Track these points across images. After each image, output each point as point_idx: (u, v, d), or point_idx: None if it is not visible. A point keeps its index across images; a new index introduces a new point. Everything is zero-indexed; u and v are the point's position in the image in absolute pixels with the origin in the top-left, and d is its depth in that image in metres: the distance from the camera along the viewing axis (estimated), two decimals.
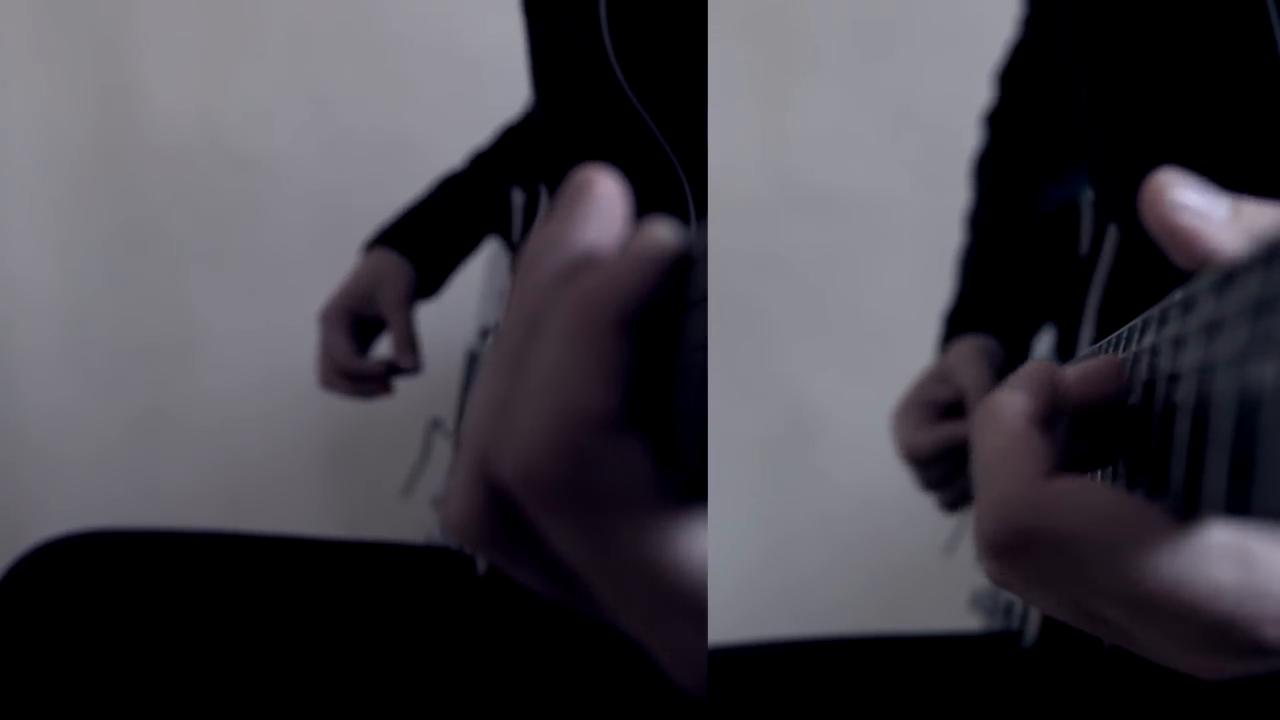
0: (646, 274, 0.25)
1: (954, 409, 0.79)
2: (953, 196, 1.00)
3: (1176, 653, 0.31)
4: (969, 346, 0.79)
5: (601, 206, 0.27)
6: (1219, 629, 0.29)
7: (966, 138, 0.99)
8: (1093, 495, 0.30)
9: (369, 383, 0.93)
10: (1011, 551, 0.31)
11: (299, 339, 1.41)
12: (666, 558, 0.25)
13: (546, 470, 0.24)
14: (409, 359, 0.92)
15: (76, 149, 1.43)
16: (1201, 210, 0.30)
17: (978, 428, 0.34)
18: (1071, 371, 0.34)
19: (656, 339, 0.25)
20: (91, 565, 0.74)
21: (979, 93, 0.98)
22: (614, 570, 0.25)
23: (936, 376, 0.80)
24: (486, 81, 1.40)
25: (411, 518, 0.99)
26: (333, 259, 1.32)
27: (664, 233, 0.25)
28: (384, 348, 0.99)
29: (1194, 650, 0.30)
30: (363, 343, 0.95)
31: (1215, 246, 0.30)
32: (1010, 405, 0.33)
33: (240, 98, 1.43)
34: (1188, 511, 0.28)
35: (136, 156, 1.43)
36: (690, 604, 0.25)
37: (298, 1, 1.43)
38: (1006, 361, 0.81)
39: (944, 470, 0.78)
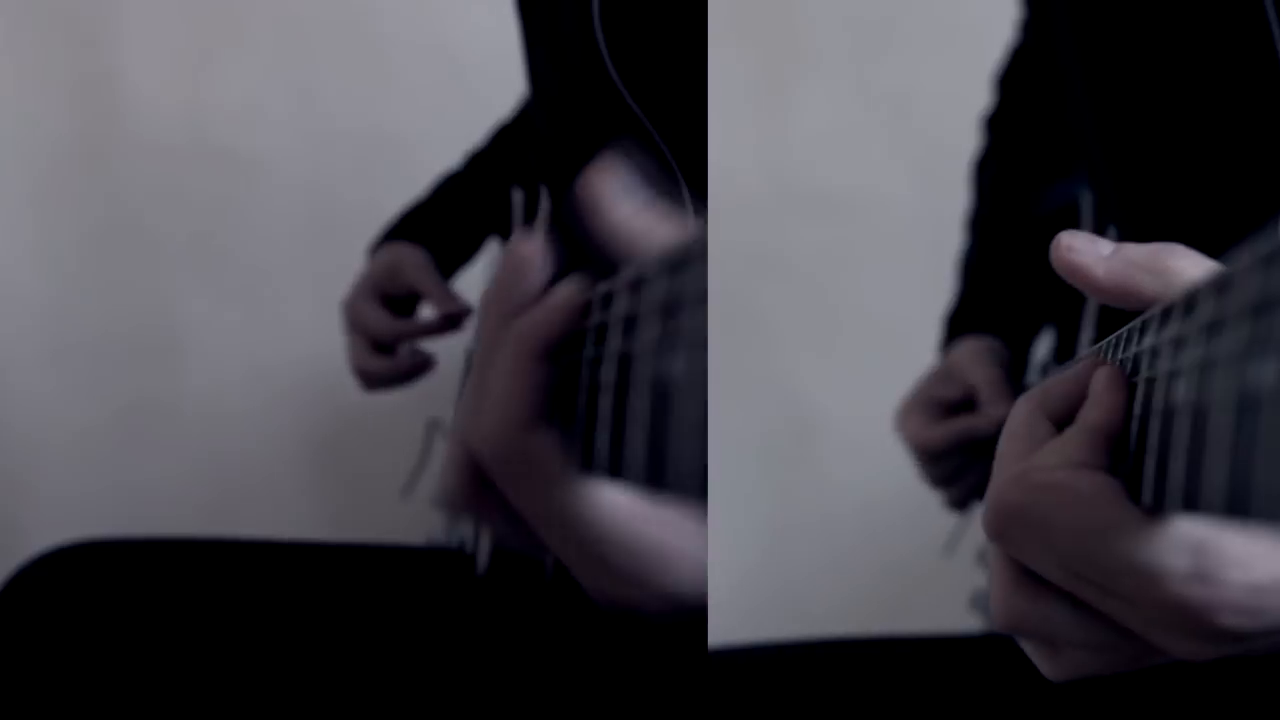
0: (558, 320, 0.35)
1: (960, 408, 0.78)
2: (951, 196, 1.00)
3: (1149, 630, 0.33)
4: (975, 346, 0.79)
5: (529, 265, 0.37)
6: (1172, 610, 0.31)
7: (964, 136, 0.99)
8: (1067, 479, 0.34)
9: (416, 350, 0.88)
10: (996, 529, 0.35)
11: (284, 335, 1.41)
12: (570, 510, 0.34)
13: (496, 450, 0.35)
14: (454, 305, 0.87)
15: (58, 143, 1.42)
16: (1086, 248, 0.38)
17: (1011, 410, 0.38)
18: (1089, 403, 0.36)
19: (567, 358, 0.36)
20: (94, 574, 0.73)
21: (977, 91, 0.98)
22: (540, 518, 0.36)
23: (941, 376, 0.80)
24: (474, 76, 1.39)
25: (400, 515, 0.99)
26: (318, 254, 1.32)
27: (570, 289, 0.35)
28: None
29: (1160, 629, 0.33)
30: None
31: (1097, 275, 0.37)
32: (1035, 393, 0.38)
33: (225, 92, 1.42)
34: (1186, 508, 0.28)
35: (119, 151, 1.42)
36: (590, 544, 0.35)
37: None
38: (1010, 359, 0.80)
39: (954, 466, 0.78)
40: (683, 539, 0.35)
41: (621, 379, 0.31)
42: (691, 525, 0.35)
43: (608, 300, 0.33)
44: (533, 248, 0.37)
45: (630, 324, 0.31)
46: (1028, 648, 0.38)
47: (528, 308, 0.36)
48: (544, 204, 0.79)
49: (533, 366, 0.35)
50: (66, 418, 1.44)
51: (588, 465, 0.34)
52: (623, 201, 0.36)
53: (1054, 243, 0.38)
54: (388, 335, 0.88)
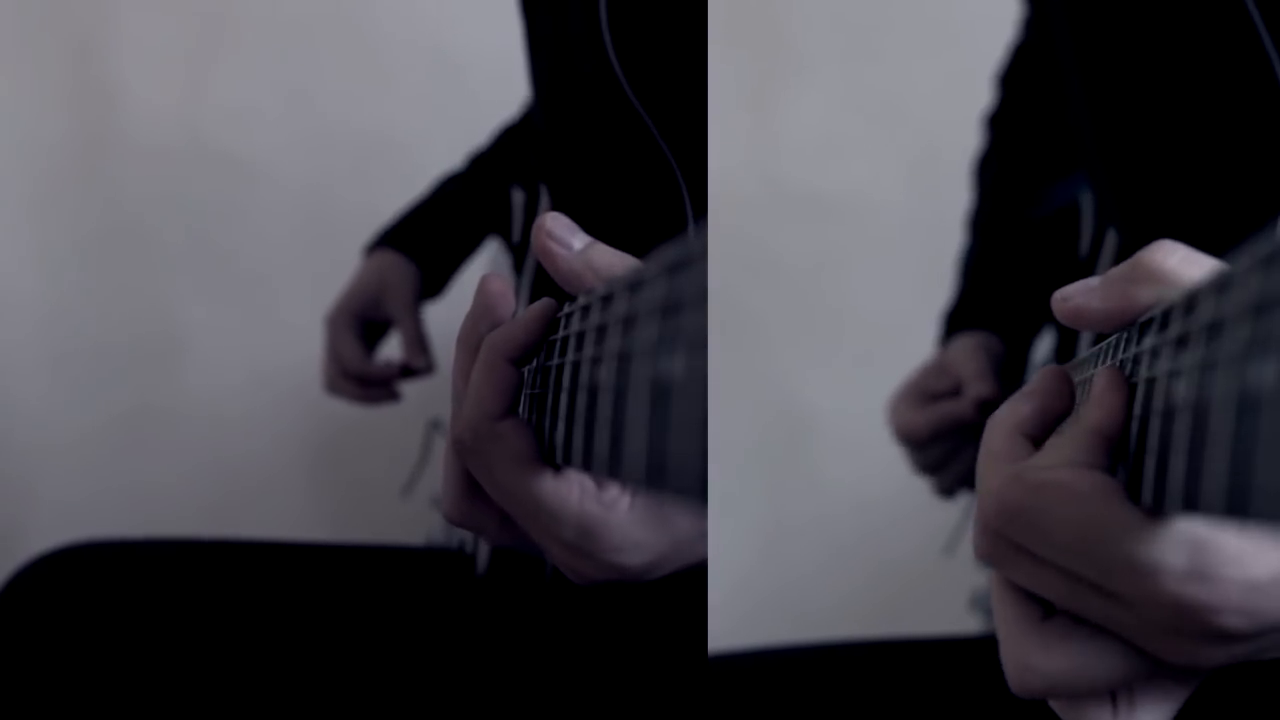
0: (523, 333, 0.41)
1: (949, 398, 0.79)
2: (942, 197, 1.00)
3: (1148, 634, 0.33)
4: (968, 341, 0.80)
5: (497, 299, 0.44)
6: (1170, 609, 0.32)
7: (955, 138, 0.99)
8: (1067, 477, 0.34)
9: (379, 386, 0.93)
10: (994, 527, 0.35)
11: (284, 338, 1.41)
12: (530, 490, 0.40)
13: (470, 438, 0.41)
14: (422, 359, 0.92)
15: (56, 148, 1.42)
16: (1078, 290, 0.39)
17: (984, 432, 0.38)
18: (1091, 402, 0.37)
19: (532, 362, 0.43)
20: (93, 575, 0.73)
21: (967, 93, 0.98)
22: (508, 499, 0.42)
23: (934, 369, 0.81)
24: (471, 79, 1.39)
25: (401, 517, 0.99)
26: (316, 257, 1.32)
27: (537, 308, 0.42)
28: (387, 350, 0.98)
29: (1159, 632, 0.33)
30: (367, 345, 0.95)
31: (1095, 307, 0.38)
32: (1006, 413, 0.38)
33: (222, 96, 1.42)
34: (1186, 508, 0.28)
35: (117, 156, 1.42)
36: (546, 520, 0.41)
37: None
38: (1006, 357, 0.81)
39: (940, 452, 0.79)
40: (623, 518, 0.40)
41: (621, 379, 0.32)
42: (635, 506, 0.41)
43: (569, 318, 0.39)
44: (500, 284, 0.44)
45: (629, 324, 0.32)
46: (1080, 716, 0.36)
47: (501, 324, 0.43)
48: (544, 204, 0.79)
49: (502, 368, 0.41)
50: (67, 423, 1.44)
51: (550, 455, 0.40)
52: (567, 244, 0.42)
53: (1052, 302, 0.40)
54: (355, 370, 0.92)
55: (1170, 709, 0.35)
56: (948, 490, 0.82)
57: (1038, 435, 0.38)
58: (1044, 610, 0.35)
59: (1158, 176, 0.59)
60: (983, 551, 0.36)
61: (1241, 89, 0.53)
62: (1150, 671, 0.34)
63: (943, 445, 0.78)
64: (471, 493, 0.44)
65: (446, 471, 0.45)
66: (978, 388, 0.75)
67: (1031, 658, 0.35)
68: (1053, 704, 0.37)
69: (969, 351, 0.79)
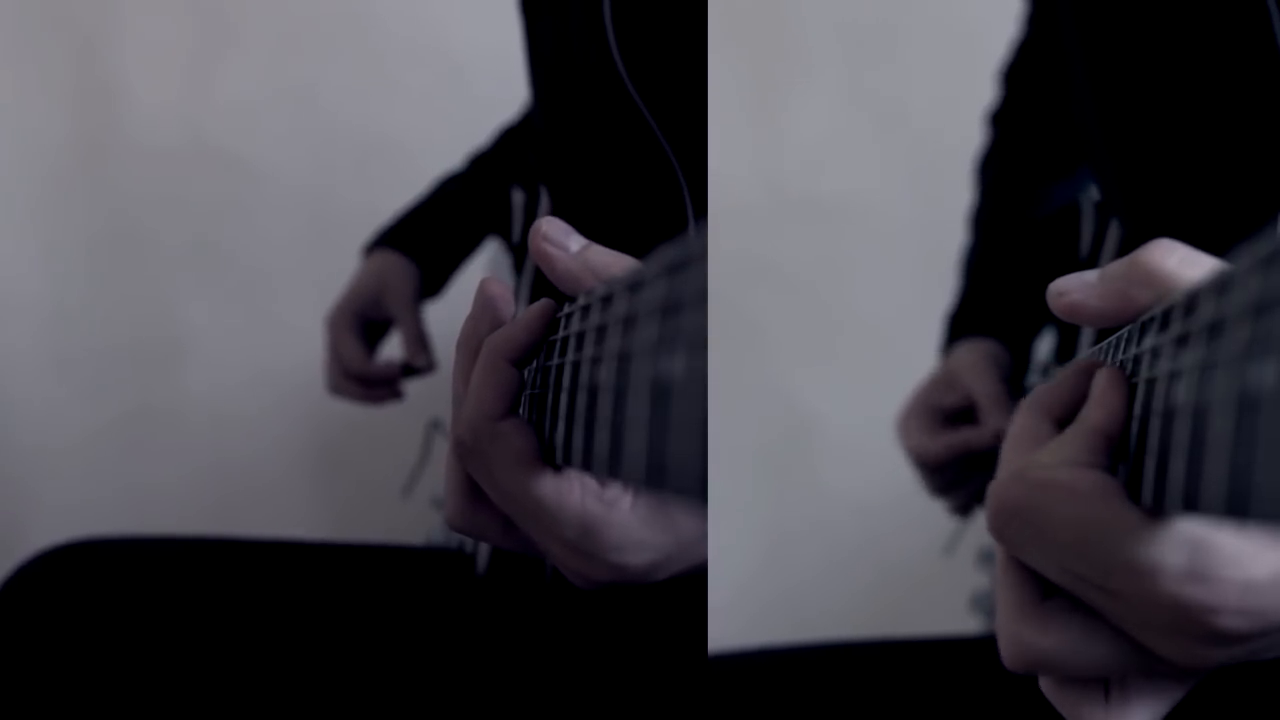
0: (527, 331, 0.41)
1: (960, 415, 0.79)
2: (945, 200, 1.00)
3: (1146, 633, 0.33)
4: (975, 353, 0.79)
5: (497, 301, 0.44)
6: (1168, 609, 0.32)
7: (958, 141, 0.99)
8: (1066, 476, 0.34)
9: (381, 386, 0.93)
10: (995, 526, 0.36)
11: (285, 339, 1.41)
12: (530, 489, 0.40)
13: (470, 437, 0.41)
14: (423, 357, 0.92)
15: (59, 149, 1.42)
16: (1076, 286, 0.39)
17: (1015, 415, 0.39)
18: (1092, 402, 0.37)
19: (533, 362, 0.43)
20: (94, 572, 0.73)
21: (970, 96, 0.98)
22: (508, 499, 0.41)
23: (942, 382, 0.80)
24: (473, 80, 1.40)
25: (401, 517, 0.99)
26: (318, 258, 1.32)
27: (537, 309, 0.42)
28: (388, 350, 0.98)
29: (1157, 631, 0.33)
30: (368, 345, 0.95)
31: (1093, 305, 0.38)
32: (1038, 395, 0.39)
33: (224, 97, 1.42)
34: (1186, 509, 0.28)
35: (120, 156, 1.42)
36: (547, 520, 0.40)
37: None
38: (1011, 365, 0.81)
39: (953, 475, 0.78)
40: (625, 517, 0.40)
41: (621, 379, 0.31)
42: (637, 505, 0.40)
43: (569, 318, 0.39)
44: (499, 287, 0.44)
45: (629, 324, 0.31)
46: (1074, 708, 0.36)
47: (501, 325, 0.44)
48: (544, 204, 0.79)
49: (502, 369, 0.41)
50: (70, 423, 1.44)
51: (550, 455, 0.40)
52: (564, 247, 0.42)
53: (1048, 294, 0.40)
54: (357, 370, 0.92)
55: (1164, 706, 0.35)
56: (962, 509, 0.81)
57: (1065, 421, 0.38)
58: (1045, 590, 0.36)
59: (1162, 167, 0.59)
60: (993, 526, 0.36)
61: (1249, 79, 0.53)
62: (1145, 665, 0.34)
63: (956, 468, 0.78)
64: (474, 497, 0.44)
65: (449, 476, 0.44)
66: (997, 419, 0.74)
67: (1027, 633, 0.35)
68: (1047, 693, 0.37)
69: (979, 366, 0.78)
